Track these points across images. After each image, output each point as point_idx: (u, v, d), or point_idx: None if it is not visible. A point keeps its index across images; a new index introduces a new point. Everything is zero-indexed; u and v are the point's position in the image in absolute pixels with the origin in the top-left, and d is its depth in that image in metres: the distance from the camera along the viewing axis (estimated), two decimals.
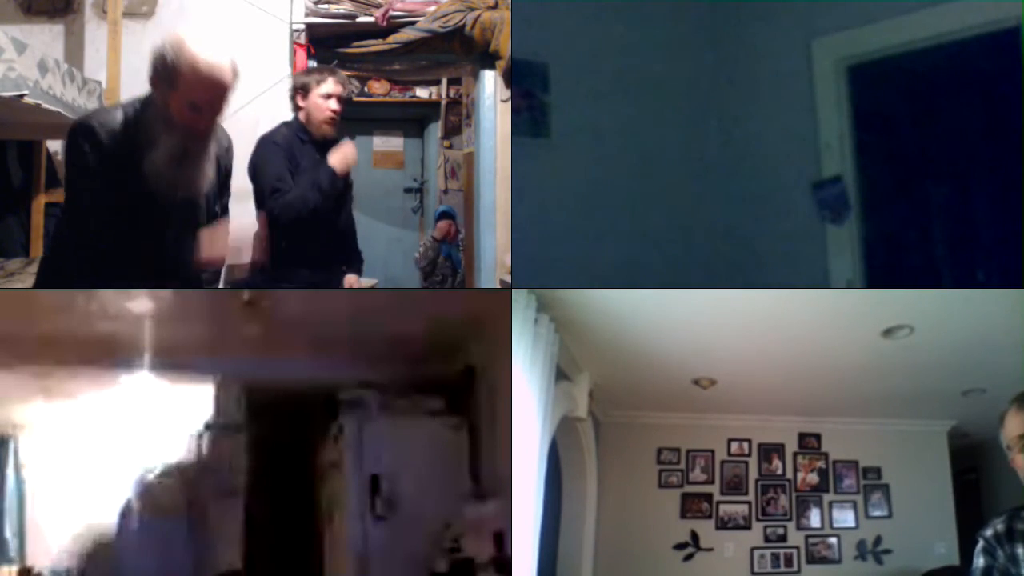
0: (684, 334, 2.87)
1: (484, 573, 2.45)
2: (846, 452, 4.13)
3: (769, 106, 3.39)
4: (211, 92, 2.12)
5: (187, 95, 2.11)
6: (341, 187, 3.20)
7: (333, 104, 3.19)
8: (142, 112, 2.19)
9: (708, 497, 4.03)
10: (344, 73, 3.36)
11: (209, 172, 2.28)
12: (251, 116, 4.38)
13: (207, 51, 2.10)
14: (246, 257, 2.79)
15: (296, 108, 3.26)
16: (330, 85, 3.19)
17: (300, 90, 3.24)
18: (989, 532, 1.97)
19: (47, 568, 3.53)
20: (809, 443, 4.15)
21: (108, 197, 2.15)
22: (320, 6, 4.53)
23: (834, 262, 3.23)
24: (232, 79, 2.15)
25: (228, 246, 2.36)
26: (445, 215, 5.98)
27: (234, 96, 2.22)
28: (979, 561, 1.96)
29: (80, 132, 2.17)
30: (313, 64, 4.61)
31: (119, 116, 2.21)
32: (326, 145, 3.22)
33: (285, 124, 3.31)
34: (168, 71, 2.10)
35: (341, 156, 3.16)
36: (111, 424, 3.51)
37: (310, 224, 3.09)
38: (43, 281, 2.47)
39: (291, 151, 3.16)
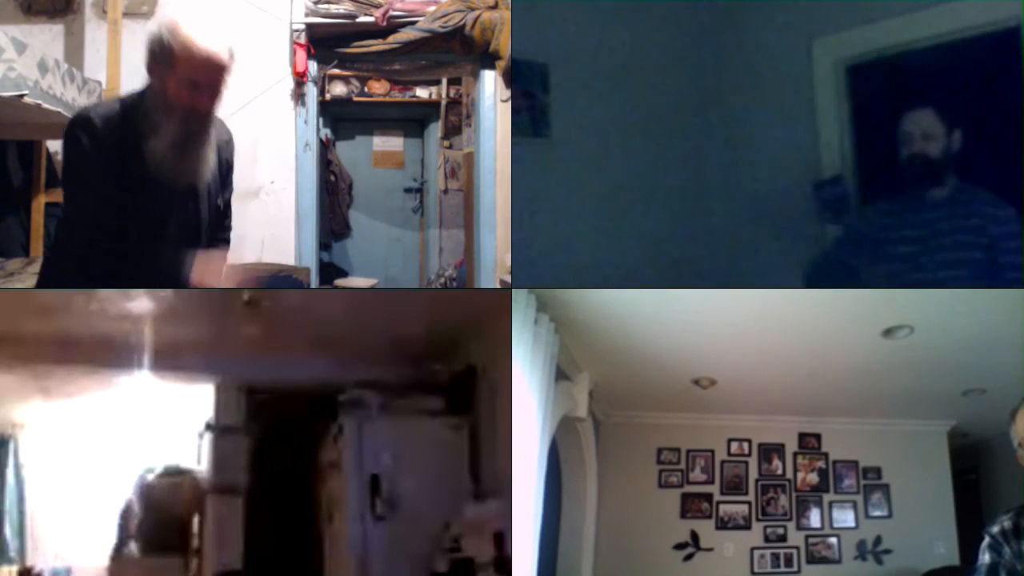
0: (684, 334, 2.87)
1: (484, 573, 2.45)
2: (846, 452, 4.13)
3: (769, 106, 3.39)
4: (208, 70, 2.13)
5: (185, 74, 2.11)
6: None
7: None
8: (141, 101, 2.19)
9: (708, 497, 4.03)
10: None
11: (211, 158, 2.27)
12: (251, 116, 4.39)
13: (203, 32, 2.13)
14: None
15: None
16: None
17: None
18: (996, 529, 1.97)
19: (47, 568, 3.53)
20: (809, 443, 4.15)
21: (108, 188, 2.15)
22: (320, 6, 4.53)
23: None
24: (229, 59, 2.17)
25: (221, 276, 2.32)
26: None
27: (232, 90, 2.21)
28: (985, 558, 1.96)
29: (78, 124, 2.17)
30: (313, 66, 4.62)
31: (117, 107, 2.22)
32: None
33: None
34: (165, 52, 2.12)
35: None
36: (111, 424, 3.51)
37: None
38: (45, 280, 2.47)
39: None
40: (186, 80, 2.12)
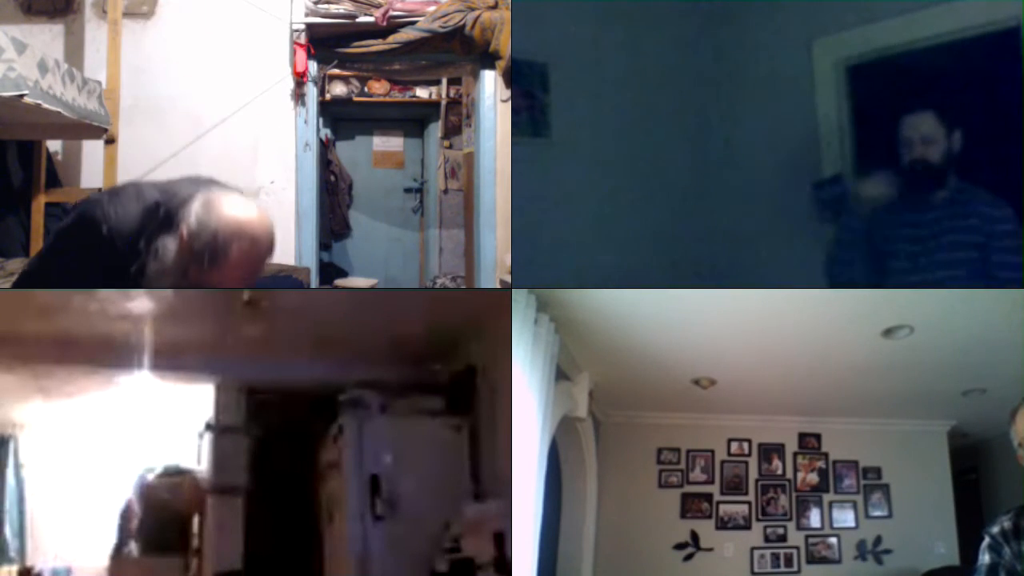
0: (684, 334, 2.87)
1: (484, 573, 2.44)
2: (846, 452, 4.13)
3: (769, 106, 3.39)
4: (243, 284, 1.95)
5: (219, 280, 1.88)
6: None
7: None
8: (159, 233, 1.91)
9: (708, 497, 4.03)
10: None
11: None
12: (251, 116, 4.40)
13: (255, 243, 1.86)
14: None
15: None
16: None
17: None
18: (996, 529, 1.96)
19: (47, 568, 3.53)
20: (809, 443, 4.15)
21: (83, 271, 1.97)
22: (320, 6, 4.53)
23: None
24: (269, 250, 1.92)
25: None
26: None
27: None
28: (984, 558, 1.96)
29: (84, 217, 1.97)
30: (313, 66, 4.62)
31: (132, 223, 1.94)
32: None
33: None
34: (208, 257, 1.85)
35: None
36: (111, 424, 3.51)
37: None
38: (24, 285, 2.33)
39: None
40: (213, 283, 1.89)
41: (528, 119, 3.09)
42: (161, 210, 1.93)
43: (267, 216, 1.92)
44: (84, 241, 1.94)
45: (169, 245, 1.89)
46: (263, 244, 1.89)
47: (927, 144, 2.58)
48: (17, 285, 2.31)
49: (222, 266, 1.85)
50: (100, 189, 3.81)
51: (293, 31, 4.52)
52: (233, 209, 1.86)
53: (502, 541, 2.34)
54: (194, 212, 1.87)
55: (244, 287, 2.03)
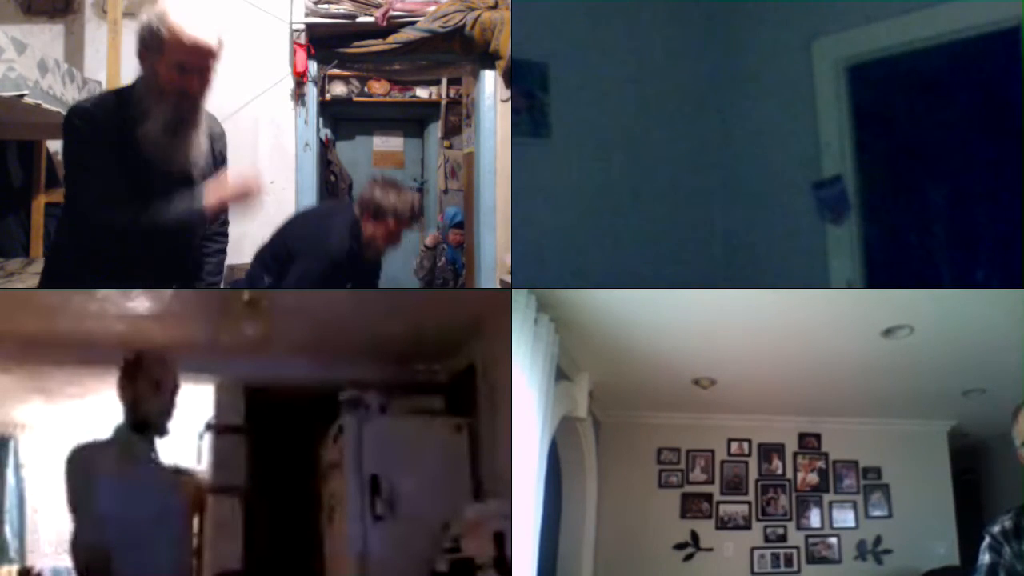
0: (684, 334, 2.87)
1: (484, 573, 2.44)
2: (846, 452, 4.13)
3: (769, 106, 3.39)
4: (196, 54, 2.21)
5: (174, 57, 2.19)
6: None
7: (395, 238, 3.33)
8: (133, 90, 2.28)
9: (708, 497, 4.03)
10: (416, 198, 3.43)
11: (203, 144, 2.34)
12: (251, 116, 4.40)
13: (191, 19, 2.21)
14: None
15: (363, 219, 3.29)
16: (404, 221, 3.29)
17: (375, 212, 3.26)
18: (996, 528, 1.96)
19: (47, 568, 3.53)
20: (809, 443, 4.15)
21: (107, 173, 2.22)
22: (320, 6, 4.53)
23: (834, 262, 3.23)
24: (217, 45, 2.24)
25: (232, 190, 2.37)
26: (461, 225, 5.76)
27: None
28: (985, 558, 1.95)
29: (75, 113, 2.27)
30: (313, 66, 4.62)
31: (111, 97, 2.35)
32: (366, 263, 3.40)
33: (349, 226, 3.30)
34: (154, 38, 2.20)
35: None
36: (111, 424, 3.51)
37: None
38: (49, 276, 2.50)
39: (341, 257, 3.22)
40: (175, 64, 2.19)
41: (528, 119, 3.09)
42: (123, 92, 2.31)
43: (214, 28, 2.24)
44: (85, 131, 2.22)
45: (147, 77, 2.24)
46: (200, 30, 2.21)
47: None
48: (60, 225, 2.65)
49: (170, 37, 2.17)
50: None
51: (293, 31, 4.53)
52: (176, 12, 2.20)
53: (502, 541, 2.34)
54: (140, 28, 2.23)
55: (200, 60, 2.23)
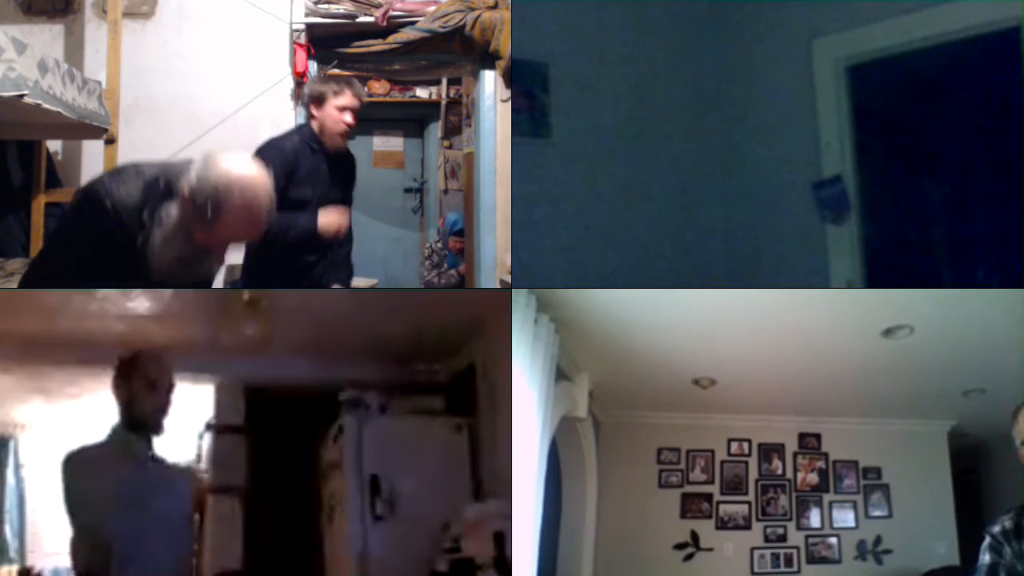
0: (684, 334, 2.87)
1: (484, 573, 2.44)
2: (846, 452, 4.13)
3: (769, 106, 3.39)
4: (247, 237, 2.09)
5: (222, 235, 1.94)
6: (312, 241, 3.16)
7: (348, 117, 3.20)
8: (162, 203, 1.96)
9: (708, 497, 4.03)
10: (357, 84, 3.36)
11: (214, 270, 2.13)
12: (251, 116, 4.39)
13: (256, 196, 1.91)
14: None
15: (310, 116, 3.26)
16: (347, 98, 3.20)
17: (315, 99, 3.24)
18: (996, 528, 1.96)
19: (47, 568, 3.53)
20: (809, 443, 4.15)
21: (90, 264, 2.02)
22: (320, 6, 4.53)
23: (834, 262, 3.23)
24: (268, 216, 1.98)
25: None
26: (461, 232, 5.70)
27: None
28: (985, 558, 1.95)
29: (88, 197, 2.01)
30: (313, 66, 4.62)
31: (135, 197, 1.98)
32: (336, 157, 3.26)
33: (298, 130, 3.33)
34: (211, 211, 1.89)
35: (330, 221, 3.16)
36: (111, 424, 3.51)
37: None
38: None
39: (296, 159, 3.15)
40: (221, 240, 1.97)
41: (528, 119, 3.09)
42: (161, 181, 1.98)
43: (265, 172, 1.97)
44: (90, 220, 1.98)
45: (172, 210, 1.94)
46: (263, 196, 1.92)
47: None
48: (28, 274, 2.37)
49: (225, 218, 1.89)
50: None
51: (293, 31, 4.52)
52: (231, 163, 1.92)
53: (502, 541, 2.34)
54: (194, 169, 1.92)
55: (248, 239, 2.10)
